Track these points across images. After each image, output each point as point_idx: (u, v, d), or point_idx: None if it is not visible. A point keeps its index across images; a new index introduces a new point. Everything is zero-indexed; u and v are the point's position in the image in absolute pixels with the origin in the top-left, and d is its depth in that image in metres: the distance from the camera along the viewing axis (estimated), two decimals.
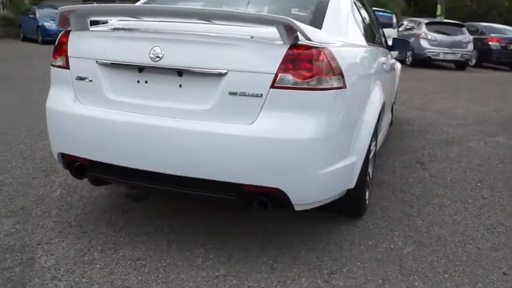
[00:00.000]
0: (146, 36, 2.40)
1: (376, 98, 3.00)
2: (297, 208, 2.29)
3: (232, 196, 2.26)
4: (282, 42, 2.18)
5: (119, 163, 2.36)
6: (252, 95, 2.16)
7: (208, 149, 2.19)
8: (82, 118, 2.43)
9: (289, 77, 2.15)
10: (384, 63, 3.76)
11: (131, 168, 2.34)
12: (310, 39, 2.18)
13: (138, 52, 2.30)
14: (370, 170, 3.13)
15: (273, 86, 2.15)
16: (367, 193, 3.04)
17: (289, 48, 2.16)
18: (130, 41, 2.40)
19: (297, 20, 2.12)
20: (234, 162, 2.18)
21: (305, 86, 2.16)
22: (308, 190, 2.26)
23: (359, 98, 2.67)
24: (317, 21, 2.57)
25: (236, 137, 2.16)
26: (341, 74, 2.31)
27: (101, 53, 2.42)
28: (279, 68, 2.14)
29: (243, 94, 2.17)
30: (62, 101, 2.53)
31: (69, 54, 2.51)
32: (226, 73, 2.18)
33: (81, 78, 2.47)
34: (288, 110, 2.16)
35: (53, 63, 2.59)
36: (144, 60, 2.28)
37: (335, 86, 2.27)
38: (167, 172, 2.28)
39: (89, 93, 2.46)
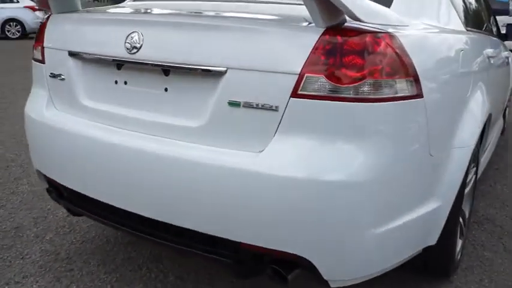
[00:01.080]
0: (124, 18, 1.70)
1: (477, 108, 2.02)
2: (333, 285, 1.46)
3: (226, 258, 1.49)
4: (312, 24, 1.36)
5: (88, 193, 1.71)
6: (263, 108, 1.37)
7: (194, 187, 1.44)
8: (52, 130, 1.81)
9: (322, 79, 1.33)
10: (493, 56, 2.66)
11: (101, 202, 1.68)
12: (361, 20, 1.33)
13: (113, 41, 1.61)
14: (465, 210, 2.18)
15: (295, 94, 1.34)
16: (459, 245, 2.09)
17: (324, 33, 1.34)
18: (107, 25, 1.72)
19: None
20: (230, 211, 1.42)
21: (350, 95, 1.32)
22: (350, 260, 1.42)
23: (447, 112, 1.73)
24: None
25: (236, 172, 1.38)
26: (415, 75, 1.42)
27: (73, 41, 1.78)
28: (306, 65, 1.33)
29: (248, 105, 1.39)
30: (37, 105, 1.94)
31: (44, 44, 1.90)
32: (224, 72, 1.41)
33: (54, 76, 1.85)
34: (319, 133, 1.35)
35: (33, 56, 2.01)
36: (120, 51, 1.59)
37: (404, 94, 1.40)
38: (140, 212, 1.58)
39: (62, 95, 1.84)
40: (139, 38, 1.53)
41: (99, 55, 1.66)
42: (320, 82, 1.33)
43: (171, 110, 1.54)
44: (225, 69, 1.40)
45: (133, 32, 1.55)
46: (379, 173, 1.36)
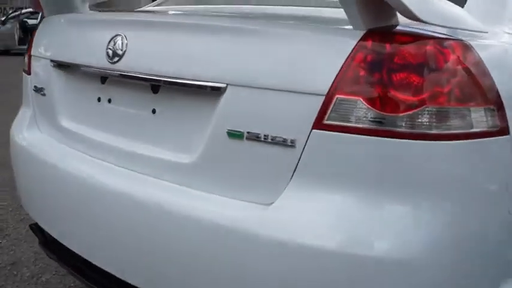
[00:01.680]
0: (110, 19, 1.36)
1: None
2: None
3: None
4: (348, 26, 0.94)
5: (56, 236, 1.36)
6: (274, 142, 0.96)
7: (179, 250, 1.05)
8: (28, 157, 1.49)
9: (361, 104, 0.91)
10: None
11: (77, 255, 1.31)
12: (422, 20, 0.89)
13: (96, 47, 1.27)
14: None
15: (319, 125, 0.93)
16: None
17: (365, 38, 0.92)
18: (93, 28, 1.38)
19: None
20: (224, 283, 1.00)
21: (402, 129, 0.90)
22: None
23: None
24: None
25: (235, 234, 0.97)
26: (497, 101, 0.97)
27: (57, 49, 1.45)
28: (336, 83, 0.92)
29: (254, 138, 0.98)
30: (20, 125, 1.63)
31: (32, 52, 1.60)
32: (223, 90, 1.02)
33: (37, 90, 1.53)
34: (354, 184, 0.92)
35: (23, 66, 1.71)
36: (101, 60, 1.24)
37: (481, 129, 0.95)
38: (115, 274, 1.19)
39: (45, 114, 1.51)
40: (122, 43, 1.18)
41: (81, 65, 1.32)
42: (357, 108, 0.91)
43: (159, 138, 1.16)
44: (225, 85, 1.01)
45: (116, 35, 1.20)
46: (444, 245, 0.91)
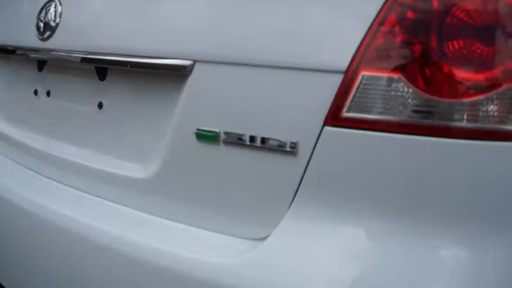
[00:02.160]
0: None
1: None
2: None
3: None
4: None
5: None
6: (265, 147, 0.63)
7: None
8: None
9: (400, 84, 0.57)
10: None
11: None
12: None
13: (26, 21, 0.94)
14: None
15: (335, 119, 0.59)
16: None
17: None
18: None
19: None
20: None
21: (464, 123, 0.56)
22: None
23: None
24: None
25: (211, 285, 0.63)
26: None
27: None
28: (361, 54, 0.58)
29: (234, 141, 0.65)
30: None
31: None
32: (190, 69, 0.68)
33: None
34: (390, 210, 0.58)
35: None
36: (31, 37, 0.90)
37: None
38: None
39: None
40: (55, 13, 0.85)
41: (17, 47, 0.99)
42: (395, 90, 0.57)
43: (106, 142, 0.83)
44: (190, 63, 0.67)
45: (49, 1, 0.87)
46: None
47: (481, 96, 0.57)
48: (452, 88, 0.57)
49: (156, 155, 0.73)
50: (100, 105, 0.84)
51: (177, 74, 0.69)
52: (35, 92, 0.99)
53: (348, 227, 0.60)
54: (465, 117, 0.57)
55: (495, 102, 0.58)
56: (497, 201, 0.58)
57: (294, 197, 0.62)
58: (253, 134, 0.63)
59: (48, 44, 0.85)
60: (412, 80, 0.57)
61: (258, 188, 0.65)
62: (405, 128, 0.57)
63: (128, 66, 0.76)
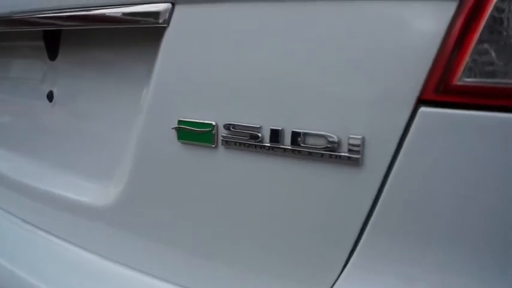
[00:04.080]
0: None
1: None
2: None
3: None
4: None
5: None
6: (299, 151, 0.33)
7: None
8: None
9: None
10: None
11: None
12: None
13: None
14: None
15: (436, 93, 0.29)
16: None
17: None
18: None
19: None
20: None
21: None
22: None
23: None
24: None
25: None
26: None
27: None
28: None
29: (244, 139, 0.35)
30: None
31: None
32: (168, 16, 0.39)
33: None
34: None
35: None
36: None
37: None
38: None
39: None
40: None
41: None
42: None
43: (56, 151, 0.55)
44: (168, 6, 0.38)
45: None
46: None
47: None
48: None
49: (122, 168, 0.45)
50: (50, 97, 0.56)
51: (149, 32, 0.40)
52: None
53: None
54: None
55: None
56: None
57: (356, 243, 0.33)
58: (275, 127, 0.33)
59: None
60: None
61: (286, 226, 0.35)
62: None
63: (85, 22, 0.47)
